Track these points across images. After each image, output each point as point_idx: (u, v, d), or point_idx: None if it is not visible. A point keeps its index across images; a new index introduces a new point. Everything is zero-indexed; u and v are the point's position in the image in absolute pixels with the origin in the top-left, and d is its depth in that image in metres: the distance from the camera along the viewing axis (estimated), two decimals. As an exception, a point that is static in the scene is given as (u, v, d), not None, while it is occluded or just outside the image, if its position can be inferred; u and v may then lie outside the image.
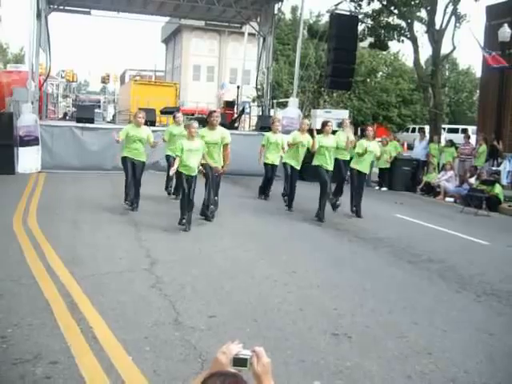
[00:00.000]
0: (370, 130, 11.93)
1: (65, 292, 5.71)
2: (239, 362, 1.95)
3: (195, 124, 9.50)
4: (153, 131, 11.68)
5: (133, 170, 10.60)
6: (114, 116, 33.64)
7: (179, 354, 4.45)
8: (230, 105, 27.02)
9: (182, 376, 4.06)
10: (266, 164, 12.94)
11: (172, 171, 9.31)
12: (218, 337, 4.78)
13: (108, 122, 29.29)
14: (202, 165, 9.63)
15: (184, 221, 9.36)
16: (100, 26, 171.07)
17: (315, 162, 11.15)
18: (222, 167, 10.26)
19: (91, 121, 17.28)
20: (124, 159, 10.65)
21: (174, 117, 12.85)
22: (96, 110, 26.63)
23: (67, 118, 27.47)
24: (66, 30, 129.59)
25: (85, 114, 17.76)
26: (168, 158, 12.42)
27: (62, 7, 20.97)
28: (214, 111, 10.93)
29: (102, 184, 14.26)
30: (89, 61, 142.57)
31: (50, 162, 15.84)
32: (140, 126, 10.71)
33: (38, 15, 17.63)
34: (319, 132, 11.42)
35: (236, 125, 21.91)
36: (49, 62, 20.01)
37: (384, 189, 17.65)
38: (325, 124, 11.39)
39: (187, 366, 4.26)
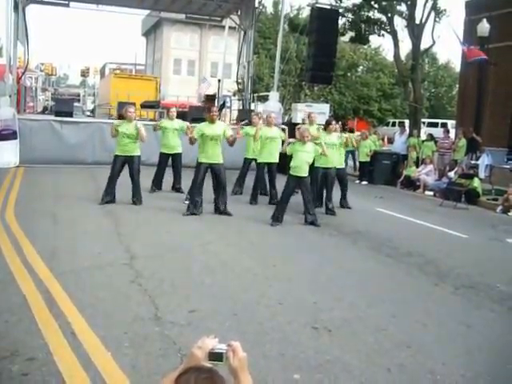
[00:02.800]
0: (333, 124, 11.57)
1: (43, 287, 5.65)
2: (215, 356, 1.93)
3: (306, 132, 10.00)
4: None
5: (129, 169, 10.68)
6: (93, 109, 33.37)
7: (158, 350, 4.43)
8: (210, 98, 26.89)
9: (161, 371, 4.03)
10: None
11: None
12: (198, 332, 4.75)
13: (88, 116, 29.06)
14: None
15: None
16: (79, 19, 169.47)
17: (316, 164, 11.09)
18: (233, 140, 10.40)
19: (70, 114, 17.11)
20: (116, 157, 10.64)
21: (168, 111, 12.73)
22: (75, 104, 26.38)
23: (46, 111, 27.17)
24: (45, 23, 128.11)
25: (63, 107, 17.58)
26: (161, 155, 12.37)
27: (39, -1, 20.71)
28: (213, 106, 11.06)
29: (81, 178, 14.13)
30: (68, 54, 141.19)
31: (29, 156, 15.60)
32: (131, 121, 10.68)
33: (16, 7, 17.38)
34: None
35: (218, 119, 21.82)
36: (27, 54, 19.69)
37: (364, 182, 17.73)
38: (329, 123, 11.44)
39: (167, 361, 4.24)
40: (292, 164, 9.92)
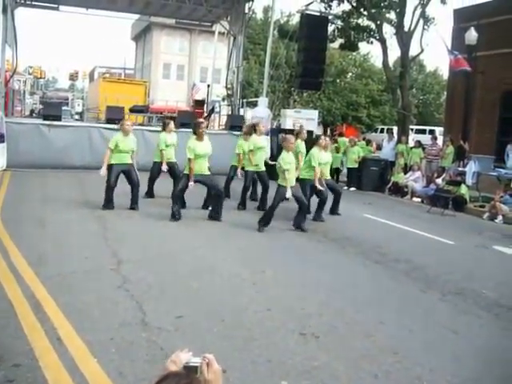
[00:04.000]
0: (323, 138, 11.49)
1: (29, 293, 5.60)
2: (189, 370, 1.93)
3: (292, 139, 10.21)
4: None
5: (127, 178, 10.80)
6: (81, 113, 33.27)
7: (145, 355, 4.40)
8: (199, 104, 26.90)
9: (148, 377, 4.00)
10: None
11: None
12: (185, 337, 4.75)
13: (76, 120, 28.95)
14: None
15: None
16: (69, 23, 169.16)
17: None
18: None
19: (58, 118, 17.01)
20: (111, 166, 10.60)
21: (168, 124, 12.42)
22: (64, 108, 26.28)
23: (34, 115, 27.05)
24: (34, 26, 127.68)
25: (52, 111, 17.47)
26: (155, 164, 12.25)
27: (29, 2, 20.63)
28: (202, 122, 10.94)
29: (69, 182, 14.06)
30: (57, 57, 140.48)
31: (16, 159, 15.49)
32: (128, 135, 10.76)
33: (4, 10, 17.28)
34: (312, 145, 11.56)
35: (205, 125, 21.81)
36: (15, 57, 19.60)
37: (352, 189, 17.76)
38: (317, 138, 11.58)
39: (153, 367, 4.20)
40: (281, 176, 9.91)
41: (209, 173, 10.35)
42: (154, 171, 12.26)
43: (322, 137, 11.59)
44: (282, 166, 9.78)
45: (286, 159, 9.82)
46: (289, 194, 9.69)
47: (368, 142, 20.85)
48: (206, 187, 10.67)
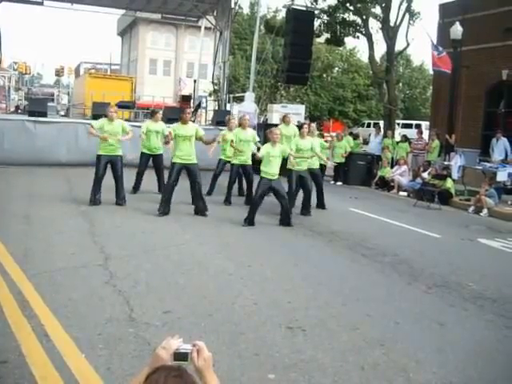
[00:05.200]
0: (306, 127, 11.49)
1: (16, 289, 5.58)
2: (180, 356, 1.94)
3: (277, 130, 10.26)
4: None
5: (112, 169, 10.71)
6: (67, 109, 33.05)
7: (133, 351, 4.41)
8: (186, 99, 26.83)
9: (135, 372, 4.00)
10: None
11: None
12: (173, 332, 4.73)
13: (62, 116, 28.76)
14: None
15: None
16: (54, 18, 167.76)
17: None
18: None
19: (44, 114, 16.91)
20: (99, 157, 10.62)
21: (156, 113, 12.48)
22: (49, 104, 26.12)
23: (19, 111, 26.85)
24: (19, 21, 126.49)
25: (37, 107, 17.36)
26: (142, 156, 12.29)
27: (12, -3, 20.46)
28: (187, 108, 11.08)
29: (55, 178, 13.99)
30: (43, 53, 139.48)
31: (1, 156, 15.39)
32: (113, 121, 10.70)
33: (-12, 5, 17.16)
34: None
35: (192, 119, 21.76)
36: (0, 53, 19.46)
37: (339, 183, 17.81)
38: (300, 127, 11.61)
39: (141, 362, 4.20)
40: (263, 169, 9.96)
41: (195, 162, 10.30)
42: (142, 163, 12.28)
43: (305, 125, 11.64)
44: (258, 154, 9.99)
45: (267, 149, 9.92)
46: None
47: (356, 137, 20.88)
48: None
